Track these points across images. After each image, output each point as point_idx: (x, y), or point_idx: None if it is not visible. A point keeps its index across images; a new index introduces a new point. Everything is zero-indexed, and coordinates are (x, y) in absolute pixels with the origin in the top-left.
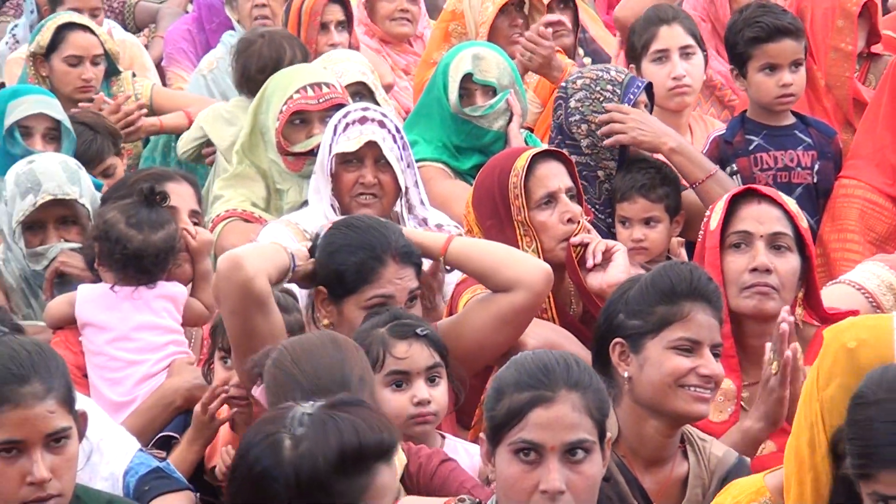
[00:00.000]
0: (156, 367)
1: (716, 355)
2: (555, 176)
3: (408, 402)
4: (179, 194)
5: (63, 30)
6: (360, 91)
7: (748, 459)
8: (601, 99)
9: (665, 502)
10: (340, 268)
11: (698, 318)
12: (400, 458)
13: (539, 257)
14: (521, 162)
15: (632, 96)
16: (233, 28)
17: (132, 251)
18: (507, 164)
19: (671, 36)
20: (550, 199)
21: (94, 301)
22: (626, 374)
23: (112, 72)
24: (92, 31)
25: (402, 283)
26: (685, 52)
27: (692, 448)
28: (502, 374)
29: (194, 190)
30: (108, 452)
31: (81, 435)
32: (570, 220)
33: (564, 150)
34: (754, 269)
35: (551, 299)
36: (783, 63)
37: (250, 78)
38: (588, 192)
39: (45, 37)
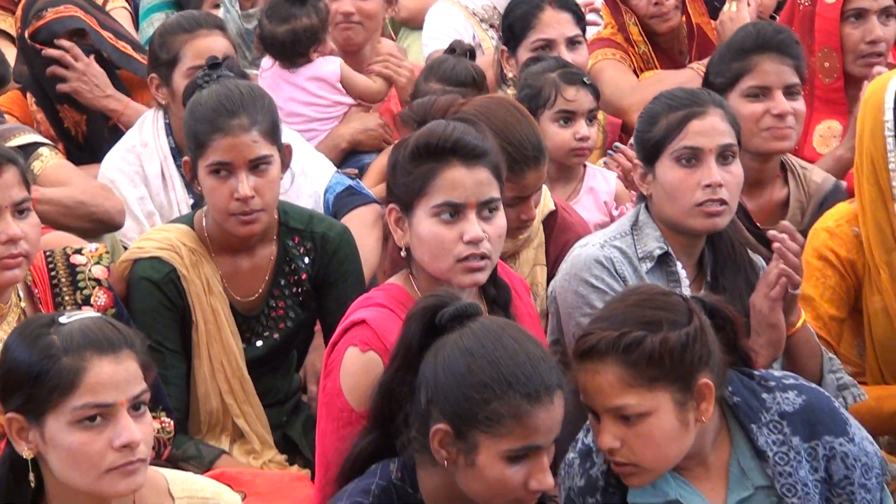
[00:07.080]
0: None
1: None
2: None
3: (571, 137)
4: None
5: None
6: None
7: (844, 183)
8: None
9: (767, 221)
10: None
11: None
12: None
13: None
14: None
15: None
16: None
17: (263, 39)
18: None
19: None
20: None
21: (265, 79)
22: None
23: None
24: None
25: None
26: None
27: (793, 175)
28: (650, 106)
29: None
30: (311, 174)
31: (286, 165)
32: None
33: None
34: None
35: None
36: None
37: None
38: None
39: None
